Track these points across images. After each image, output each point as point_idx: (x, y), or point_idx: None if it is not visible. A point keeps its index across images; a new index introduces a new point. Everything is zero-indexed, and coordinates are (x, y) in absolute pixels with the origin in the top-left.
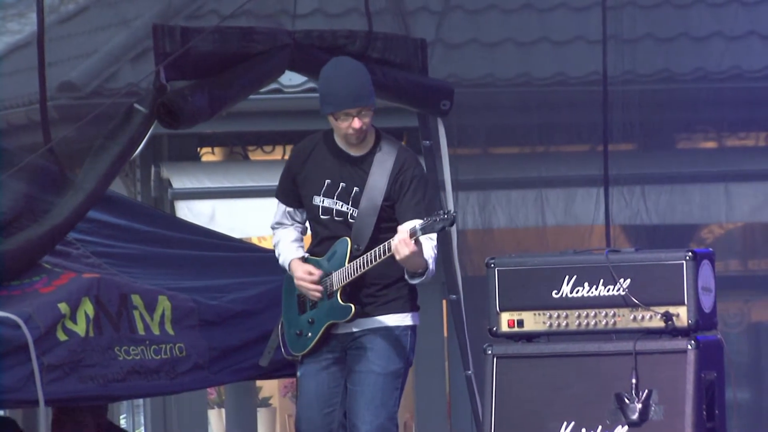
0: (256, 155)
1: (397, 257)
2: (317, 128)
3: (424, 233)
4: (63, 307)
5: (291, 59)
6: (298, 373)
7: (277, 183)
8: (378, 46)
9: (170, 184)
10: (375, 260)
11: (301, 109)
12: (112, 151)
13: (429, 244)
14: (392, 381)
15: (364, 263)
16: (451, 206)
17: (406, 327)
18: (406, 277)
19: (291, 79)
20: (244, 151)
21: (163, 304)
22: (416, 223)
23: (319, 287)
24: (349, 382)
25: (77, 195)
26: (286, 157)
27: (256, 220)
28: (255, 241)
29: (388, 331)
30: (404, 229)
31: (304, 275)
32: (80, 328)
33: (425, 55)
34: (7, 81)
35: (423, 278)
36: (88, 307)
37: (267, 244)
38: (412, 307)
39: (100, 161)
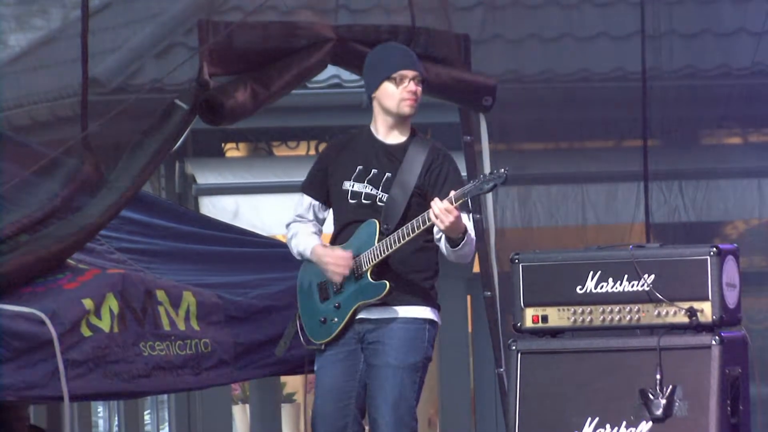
0: (281, 151)
1: (441, 226)
2: (341, 124)
3: (473, 195)
4: (87, 302)
5: (333, 54)
6: (315, 366)
7: (302, 178)
8: (421, 41)
9: (194, 180)
10: (411, 233)
11: (325, 105)
12: (149, 148)
13: (464, 216)
14: (410, 374)
15: (397, 238)
16: (490, 200)
17: (425, 320)
18: (443, 249)
19: None
20: (268, 147)
21: (188, 299)
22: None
23: (350, 264)
24: (367, 378)
25: (111, 194)
26: (311, 152)
27: (280, 216)
28: (279, 238)
29: (405, 323)
30: (447, 197)
31: (335, 256)
32: (105, 323)
33: (468, 51)
34: (30, 77)
35: (463, 245)
36: (112, 303)
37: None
38: (431, 302)
39: (136, 159)
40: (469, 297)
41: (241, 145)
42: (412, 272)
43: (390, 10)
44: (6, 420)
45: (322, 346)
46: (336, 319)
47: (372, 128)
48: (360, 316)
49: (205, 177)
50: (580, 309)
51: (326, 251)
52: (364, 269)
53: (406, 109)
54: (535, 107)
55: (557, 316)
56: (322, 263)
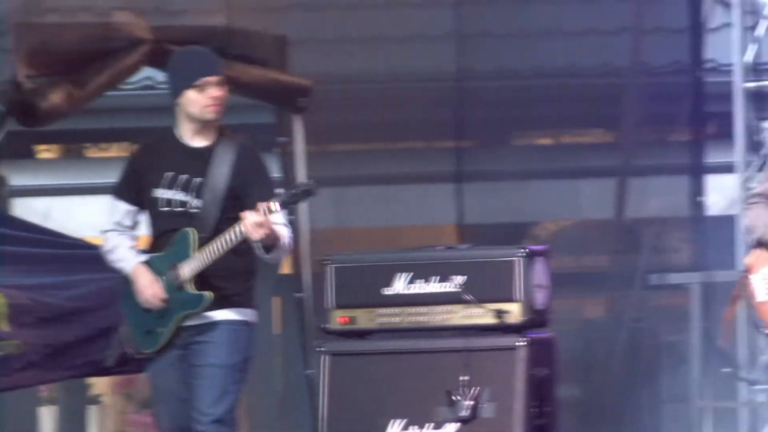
0: (92, 152)
1: (254, 237)
2: (154, 125)
3: (285, 206)
4: None
5: (149, 55)
6: (149, 372)
7: (113, 180)
8: (237, 42)
9: (5, 182)
10: (226, 245)
11: (137, 106)
12: None
13: (278, 219)
14: (231, 374)
15: (214, 250)
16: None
17: (245, 322)
18: (256, 251)
19: None
20: (80, 149)
21: None
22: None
23: (162, 295)
24: (190, 378)
25: None
26: (123, 154)
27: (91, 217)
28: (89, 239)
29: (227, 325)
30: (258, 208)
31: (147, 284)
32: None
33: (285, 52)
34: None
35: (277, 251)
36: None
37: (100, 242)
38: (250, 304)
39: None
40: (279, 298)
41: (53, 147)
42: (231, 276)
43: (206, 12)
44: None
45: (151, 355)
46: (161, 330)
47: (177, 132)
48: (187, 323)
49: (17, 178)
50: (388, 310)
51: (141, 276)
52: (182, 280)
53: (209, 115)
54: (350, 108)
55: (366, 318)
56: (137, 290)
